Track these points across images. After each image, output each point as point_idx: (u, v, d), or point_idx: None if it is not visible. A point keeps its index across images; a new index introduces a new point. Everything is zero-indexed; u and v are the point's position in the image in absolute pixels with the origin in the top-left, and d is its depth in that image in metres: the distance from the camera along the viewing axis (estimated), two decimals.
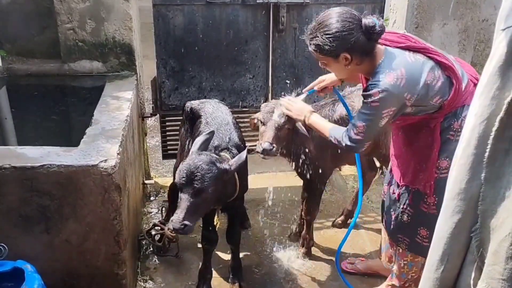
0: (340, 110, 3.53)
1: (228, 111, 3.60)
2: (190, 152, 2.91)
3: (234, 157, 3.00)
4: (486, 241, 1.29)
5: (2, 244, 2.47)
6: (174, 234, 3.63)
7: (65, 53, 4.11)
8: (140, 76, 4.46)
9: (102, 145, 2.84)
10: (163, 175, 5.13)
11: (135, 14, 4.29)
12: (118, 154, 2.77)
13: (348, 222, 4.21)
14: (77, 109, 3.95)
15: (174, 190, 3.87)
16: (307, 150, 3.50)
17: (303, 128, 3.24)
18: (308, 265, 3.77)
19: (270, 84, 4.79)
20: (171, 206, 3.94)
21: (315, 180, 3.60)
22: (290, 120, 3.14)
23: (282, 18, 4.51)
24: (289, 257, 3.84)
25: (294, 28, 4.61)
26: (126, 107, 3.46)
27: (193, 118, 3.61)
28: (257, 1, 4.43)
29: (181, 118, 4.00)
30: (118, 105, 3.50)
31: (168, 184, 4.23)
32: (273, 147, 3.06)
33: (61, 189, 2.64)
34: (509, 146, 1.20)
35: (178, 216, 2.67)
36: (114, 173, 2.66)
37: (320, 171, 3.58)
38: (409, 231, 2.72)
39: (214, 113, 3.50)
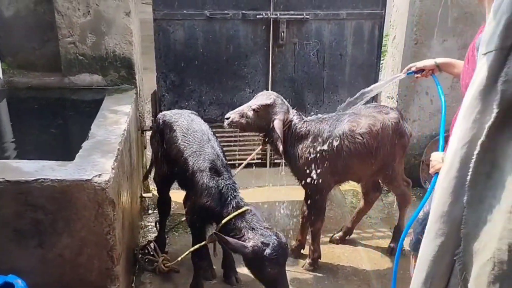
0: (344, 126, 3.53)
1: (203, 122, 3.59)
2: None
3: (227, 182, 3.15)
4: (469, 265, 1.28)
5: None
6: (167, 268, 3.61)
7: (66, 66, 4.15)
8: (140, 89, 4.49)
9: (97, 160, 2.84)
10: None
11: (136, 28, 4.33)
12: (112, 168, 2.77)
13: (347, 238, 4.19)
14: (76, 122, 3.97)
15: (162, 204, 3.89)
16: (301, 155, 3.54)
17: (279, 129, 3.46)
18: (304, 278, 3.74)
19: None
20: (162, 220, 3.94)
21: (312, 191, 3.60)
22: (260, 113, 3.51)
23: (282, 33, 4.54)
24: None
25: (294, 43, 4.64)
26: (123, 121, 3.47)
27: (165, 130, 3.56)
28: (257, 16, 4.47)
29: None
30: (115, 119, 3.51)
31: None
32: (230, 117, 3.60)
33: (55, 204, 2.64)
34: (490, 169, 1.19)
35: None
36: (108, 187, 2.66)
37: (316, 183, 3.57)
38: None
39: (191, 126, 3.47)
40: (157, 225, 4.03)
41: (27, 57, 4.28)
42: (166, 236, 4.03)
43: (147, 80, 4.94)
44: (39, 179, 2.59)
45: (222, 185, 3.15)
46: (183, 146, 3.34)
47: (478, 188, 1.22)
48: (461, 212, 1.27)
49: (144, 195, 4.48)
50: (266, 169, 4.80)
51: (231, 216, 3.06)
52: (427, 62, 3.19)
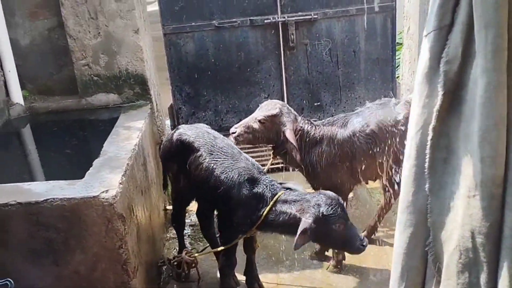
0: (352, 127, 3.47)
1: (222, 136, 3.53)
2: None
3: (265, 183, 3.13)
4: (441, 255, 1.21)
5: (8, 279, 2.55)
6: (193, 258, 3.63)
7: (82, 88, 4.27)
8: (157, 104, 4.55)
9: (105, 176, 2.90)
10: None
11: (147, 45, 4.40)
12: (120, 183, 2.82)
13: (372, 237, 4.08)
14: (93, 141, 4.06)
15: (179, 219, 3.90)
16: (318, 161, 3.48)
17: (292, 138, 3.37)
18: (330, 281, 3.68)
19: (285, 102, 4.76)
20: (180, 233, 3.96)
21: (336, 192, 3.52)
22: (267, 125, 3.46)
23: (292, 36, 4.52)
24: (311, 277, 3.75)
25: (305, 44, 4.61)
26: (135, 136, 3.53)
27: (185, 151, 3.42)
28: (265, 21, 4.47)
29: None
30: (127, 135, 3.57)
31: (190, 209, 4.22)
32: (235, 132, 3.53)
33: (66, 222, 2.71)
34: (446, 155, 1.13)
35: None
36: (116, 202, 2.70)
37: (337, 185, 3.51)
38: None
39: (216, 144, 3.38)
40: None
41: (45, 83, 4.42)
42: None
43: (164, 94, 5.01)
44: (48, 199, 2.66)
45: (261, 189, 3.10)
46: (213, 164, 3.25)
47: (438, 175, 1.16)
48: (425, 201, 1.21)
49: (168, 207, 4.52)
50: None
51: (268, 207, 3.01)
52: None
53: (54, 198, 2.67)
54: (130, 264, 2.88)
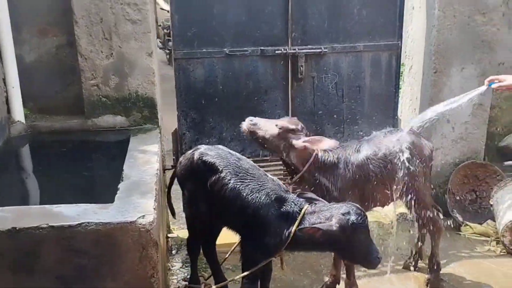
0: (364, 151, 3.56)
1: (243, 157, 3.50)
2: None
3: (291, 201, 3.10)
4: None
5: None
6: None
7: (89, 108, 4.14)
8: (161, 128, 4.47)
9: (137, 201, 2.79)
10: (180, 228, 5.02)
11: (156, 68, 4.34)
12: (154, 209, 2.72)
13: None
14: (103, 164, 3.93)
15: (194, 243, 3.77)
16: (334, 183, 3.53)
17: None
18: None
19: None
20: (193, 260, 3.83)
21: None
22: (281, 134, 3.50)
23: (301, 68, 4.58)
24: None
25: (313, 77, 4.68)
26: (154, 161, 3.44)
27: (207, 172, 3.33)
28: (276, 52, 4.52)
29: None
30: (146, 159, 3.47)
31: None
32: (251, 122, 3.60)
33: (99, 247, 2.57)
34: None
35: None
36: (152, 229, 2.60)
37: None
38: None
39: (241, 165, 3.33)
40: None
41: (49, 102, 4.26)
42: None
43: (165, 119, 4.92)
44: (83, 223, 2.52)
45: (288, 206, 3.08)
46: (238, 186, 3.18)
47: None
48: None
49: (169, 235, 4.40)
50: None
51: (297, 221, 2.98)
52: (511, 78, 3.32)
53: (89, 222, 2.53)
54: None
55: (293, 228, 2.99)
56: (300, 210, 3.04)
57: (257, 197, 3.13)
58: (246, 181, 3.21)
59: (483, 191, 4.91)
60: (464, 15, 4.47)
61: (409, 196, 3.68)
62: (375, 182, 3.56)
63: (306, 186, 3.61)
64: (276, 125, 3.56)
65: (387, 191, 3.64)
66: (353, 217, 2.87)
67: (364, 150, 3.59)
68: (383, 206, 3.96)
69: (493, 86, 3.39)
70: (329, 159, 3.56)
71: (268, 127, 3.57)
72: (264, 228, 3.10)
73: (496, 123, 5.05)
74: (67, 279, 2.59)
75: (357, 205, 2.98)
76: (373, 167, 3.53)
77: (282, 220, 3.06)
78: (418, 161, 3.59)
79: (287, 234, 3.02)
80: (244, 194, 3.16)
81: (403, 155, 3.54)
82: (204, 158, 3.37)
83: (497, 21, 4.52)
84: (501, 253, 4.41)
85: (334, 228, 2.85)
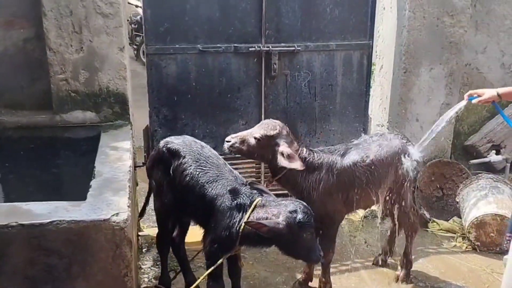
0: (352, 157, 3.53)
1: (207, 146, 3.52)
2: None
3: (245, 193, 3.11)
4: None
5: None
6: None
7: (57, 104, 4.03)
8: (132, 125, 4.39)
9: (110, 198, 2.73)
10: (151, 226, 4.96)
11: (128, 64, 4.27)
12: (128, 206, 2.67)
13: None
14: (72, 160, 3.83)
15: (164, 238, 3.72)
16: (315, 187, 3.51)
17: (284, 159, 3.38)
18: None
19: None
20: (163, 257, 3.79)
21: (326, 222, 3.54)
22: (262, 143, 3.44)
23: (274, 65, 4.58)
24: None
25: (286, 75, 4.68)
26: (126, 157, 3.38)
27: (171, 159, 3.38)
28: (250, 49, 4.50)
29: None
30: (118, 156, 3.41)
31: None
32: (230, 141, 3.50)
33: (71, 246, 2.51)
34: None
35: None
36: (127, 226, 2.55)
37: (330, 214, 3.55)
38: None
39: (203, 152, 3.37)
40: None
41: (15, 96, 4.11)
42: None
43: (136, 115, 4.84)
44: (54, 221, 2.46)
45: (241, 199, 3.07)
46: (197, 173, 3.21)
47: None
48: None
49: (140, 233, 4.33)
50: None
51: (247, 216, 2.98)
52: (489, 92, 3.39)
53: (61, 220, 2.47)
54: None
55: (243, 221, 2.99)
56: (251, 203, 3.04)
57: (214, 186, 3.16)
58: (205, 168, 3.24)
59: (450, 189, 5.04)
60: (433, 16, 4.57)
61: (393, 201, 3.72)
62: (361, 188, 3.54)
63: (288, 186, 3.62)
64: (255, 138, 3.47)
65: (372, 196, 3.64)
66: (300, 216, 2.89)
67: (352, 155, 3.55)
68: (365, 209, 4.01)
69: (474, 101, 3.46)
70: (313, 162, 3.52)
71: (248, 140, 3.49)
72: (218, 220, 3.10)
73: (462, 122, 5.20)
74: (36, 280, 2.52)
75: (304, 203, 2.99)
76: (359, 173, 3.50)
77: (235, 212, 3.06)
78: (404, 166, 3.62)
79: (238, 227, 3.02)
80: (203, 181, 3.19)
81: (392, 161, 3.57)
82: (168, 146, 3.43)
83: (464, 23, 4.64)
84: (467, 249, 4.53)
85: (281, 226, 2.87)
